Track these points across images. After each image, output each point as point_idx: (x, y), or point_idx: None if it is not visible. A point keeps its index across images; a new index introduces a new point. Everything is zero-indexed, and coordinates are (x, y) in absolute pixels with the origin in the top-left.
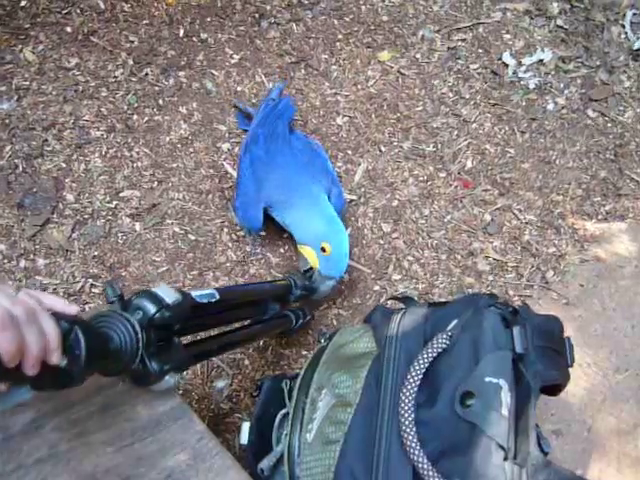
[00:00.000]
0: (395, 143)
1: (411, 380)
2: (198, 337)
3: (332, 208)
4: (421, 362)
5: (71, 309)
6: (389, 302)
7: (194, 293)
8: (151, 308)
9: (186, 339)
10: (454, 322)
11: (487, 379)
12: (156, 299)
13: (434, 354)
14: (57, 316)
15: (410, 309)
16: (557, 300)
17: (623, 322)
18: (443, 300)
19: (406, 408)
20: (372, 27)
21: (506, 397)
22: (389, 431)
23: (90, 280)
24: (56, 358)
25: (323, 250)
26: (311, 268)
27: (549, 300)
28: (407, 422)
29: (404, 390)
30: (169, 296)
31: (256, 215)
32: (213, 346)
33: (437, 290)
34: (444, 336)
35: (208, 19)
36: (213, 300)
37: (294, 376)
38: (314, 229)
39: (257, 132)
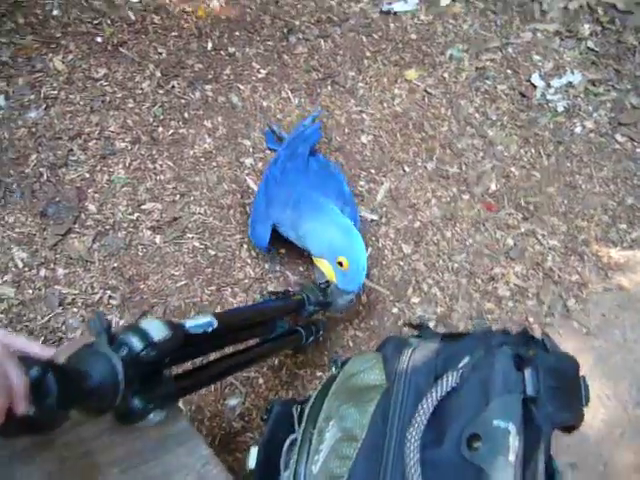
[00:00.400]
0: (419, 163)
1: (418, 419)
2: (196, 363)
3: (348, 219)
4: (429, 400)
5: (45, 353)
6: (405, 328)
7: (188, 324)
8: (137, 345)
9: (183, 366)
10: (466, 359)
11: (495, 422)
12: (143, 335)
13: (443, 393)
14: (28, 362)
15: (422, 344)
16: (578, 329)
17: None
18: (458, 332)
19: (412, 448)
20: (400, 45)
21: (514, 441)
22: (394, 470)
23: (109, 292)
24: (22, 408)
25: (340, 264)
26: (327, 281)
27: (570, 329)
28: (412, 462)
29: (411, 429)
30: (157, 332)
31: (263, 232)
32: (212, 372)
33: (456, 315)
34: (454, 374)
35: (237, 33)
36: (210, 329)
37: (304, 401)
38: (330, 242)
39: (280, 153)
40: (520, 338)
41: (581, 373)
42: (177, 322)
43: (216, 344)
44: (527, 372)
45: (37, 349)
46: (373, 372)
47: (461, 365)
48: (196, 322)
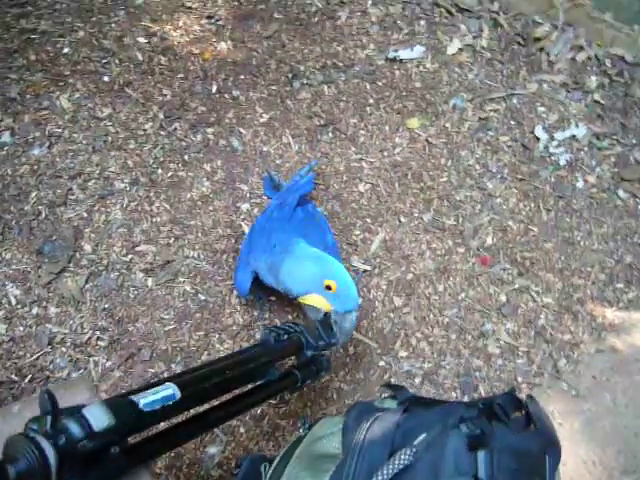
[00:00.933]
0: (416, 214)
1: None
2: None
3: (315, 248)
4: (380, 477)
5: None
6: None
7: (143, 402)
8: (76, 434)
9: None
10: (422, 436)
11: None
12: (83, 424)
13: (396, 470)
14: None
15: (383, 415)
16: (567, 391)
17: (634, 420)
18: (430, 398)
19: None
20: (404, 93)
21: None
22: None
23: (97, 332)
24: None
25: (328, 288)
26: (326, 313)
27: (558, 390)
28: None
29: None
30: (100, 421)
31: (244, 279)
32: (185, 431)
33: (443, 371)
34: (408, 452)
35: (242, 76)
36: (171, 402)
37: (272, 459)
38: (309, 274)
39: (272, 203)
40: (487, 412)
41: (564, 439)
42: (128, 401)
43: (182, 409)
44: (480, 454)
45: None
46: (335, 440)
47: (417, 442)
48: (154, 398)
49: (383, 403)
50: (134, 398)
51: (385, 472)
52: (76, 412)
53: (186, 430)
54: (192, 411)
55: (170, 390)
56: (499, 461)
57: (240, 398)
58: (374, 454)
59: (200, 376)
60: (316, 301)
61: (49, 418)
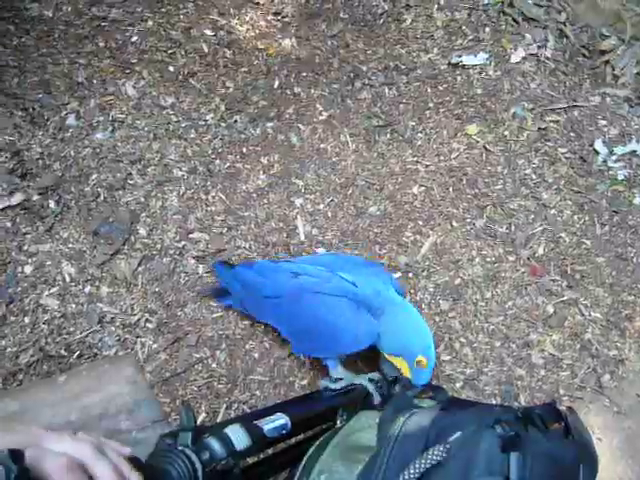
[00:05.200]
0: (468, 220)
1: None
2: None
3: (423, 320)
4: (412, 471)
5: (124, 450)
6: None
7: (266, 428)
8: (220, 453)
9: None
10: (457, 434)
11: None
12: (227, 443)
13: (427, 465)
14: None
15: (419, 411)
16: (609, 407)
17: None
18: (468, 400)
19: None
20: (464, 99)
21: None
22: None
23: (147, 315)
24: (135, 478)
25: (419, 363)
26: (400, 377)
27: (600, 406)
28: None
29: None
30: (240, 442)
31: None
32: (282, 460)
33: (484, 378)
34: (441, 448)
35: (304, 74)
36: (284, 432)
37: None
38: (411, 342)
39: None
40: (525, 419)
41: (602, 455)
42: (255, 426)
43: (289, 438)
44: (513, 456)
45: (116, 446)
46: (371, 432)
47: (451, 439)
48: (273, 425)
49: (422, 402)
50: (258, 424)
51: (417, 467)
52: (218, 430)
53: (286, 458)
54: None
55: (283, 420)
56: (532, 465)
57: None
58: (408, 448)
59: (300, 413)
60: (401, 364)
61: (190, 434)
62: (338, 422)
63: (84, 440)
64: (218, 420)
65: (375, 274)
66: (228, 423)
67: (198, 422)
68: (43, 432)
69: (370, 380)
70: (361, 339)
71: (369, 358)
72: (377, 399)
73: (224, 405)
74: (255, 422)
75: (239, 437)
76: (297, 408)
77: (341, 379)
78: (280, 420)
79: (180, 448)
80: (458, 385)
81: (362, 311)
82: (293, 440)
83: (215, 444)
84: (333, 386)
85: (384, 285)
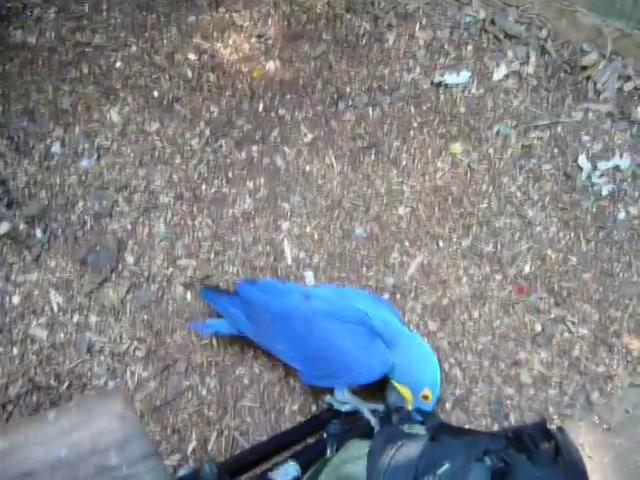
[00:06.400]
0: (454, 239)
1: None
2: None
3: (434, 354)
4: None
5: None
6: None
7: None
8: None
9: None
10: (445, 466)
11: None
12: None
13: None
14: None
15: (408, 442)
16: (598, 424)
17: None
18: (457, 427)
19: None
20: (448, 118)
21: None
22: None
23: (135, 342)
24: None
25: (424, 397)
26: (403, 407)
27: (590, 423)
28: None
29: None
30: None
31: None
32: None
33: (474, 398)
34: None
35: (288, 96)
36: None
37: None
38: (420, 373)
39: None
40: (515, 442)
41: (593, 473)
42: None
43: None
44: None
45: None
46: (360, 463)
47: (440, 472)
48: (286, 478)
49: (412, 429)
50: (272, 477)
51: None
52: None
53: None
54: None
55: (295, 471)
56: None
57: None
58: None
59: (313, 455)
60: (406, 395)
61: None
62: (328, 451)
63: None
64: (209, 447)
65: (381, 306)
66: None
67: (188, 451)
68: None
69: (373, 412)
70: (376, 369)
71: (373, 389)
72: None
73: (215, 432)
74: (269, 475)
75: None
76: (308, 452)
77: (346, 404)
78: (292, 471)
79: None
80: (448, 406)
81: (378, 341)
82: None
83: None
84: (337, 407)
85: (391, 316)
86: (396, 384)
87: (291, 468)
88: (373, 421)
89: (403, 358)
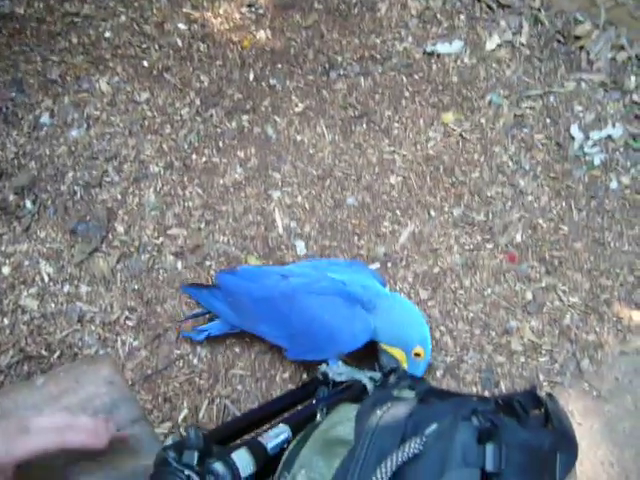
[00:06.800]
0: (446, 208)
1: None
2: None
3: (419, 311)
4: (389, 464)
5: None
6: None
7: (270, 445)
8: (225, 478)
9: None
10: (434, 426)
11: None
12: (232, 471)
13: (404, 458)
14: None
15: (397, 403)
16: (588, 391)
17: None
18: (447, 390)
19: None
20: (440, 87)
21: None
22: None
23: (126, 312)
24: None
25: (417, 355)
26: (393, 368)
27: (580, 390)
28: None
29: None
30: (246, 468)
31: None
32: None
33: (465, 366)
34: (418, 441)
35: (279, 65)
36: (286, 445)
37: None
38: (409, 333)
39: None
40: (505, 408)
41: (583, 439)
42: (260, 445)
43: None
44: (489, 447)
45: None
46: (349, 426)
47: (428, 432)
48: (277, 441)
49: (401, 393)
50: (262, 441)
51: (394, 459)
52: (225, 456)
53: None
54: None
55: (286, 434)
56: (508, 455)
57: None
58: (385, 441)
59: (303, 418)
60: (399, 356)
61: (196, 455)
62: (318, 415)
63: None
64: (200, 415)
65: (358, 271)
66: (232, 441)
67: (179, 419)
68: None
69: (371, 379)
70: (359, 336)
71: (366, 357)
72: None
73: (206, 401)
74: (259, 439)
75: (245, 464)
76: (298, 415)
77: (341, 374)
78: (283, 434)
79: (187, 473)
80: (439, 374)
81: (356, 308)
82: None
83: (221, 470)
84: (333, 377)
85: (370, 280)
86: (386, 347)
87: (281, 430)
88: (369, 387)
89: (387, 320)
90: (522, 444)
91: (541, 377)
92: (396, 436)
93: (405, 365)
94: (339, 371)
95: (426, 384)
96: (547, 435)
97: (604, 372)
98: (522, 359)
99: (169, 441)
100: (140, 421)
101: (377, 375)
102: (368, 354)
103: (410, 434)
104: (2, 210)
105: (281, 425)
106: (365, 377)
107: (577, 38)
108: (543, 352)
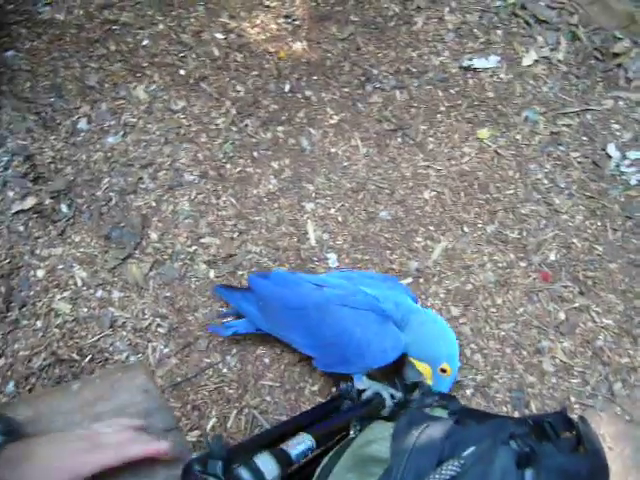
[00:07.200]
0: (479, 225)
1: None
2: None
3: (450, 328)
4: None
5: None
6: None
7: (294, 453)
8: None
9: None
10: (472, 449)
11: None
12: (257, 475)
13: None
14: None
15: (432, 424)
16: (620, 415)
17: None
18: (481, 411)
19: None
20: (476, 102)
21: None
22: None
23: (158, 319)
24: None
25: (443, 371)
26: (422, 382)
27: (612, 414)
28: None
29: None
30: (271, 473)
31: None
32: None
33: (495, 385)
34: (456, 463)
35: (315, 77)
36: (310, 453)
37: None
38: (437, 348)
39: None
40: (536, 429)
41: (614, 463)
42: (284, 452)
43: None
44: (528, 472)
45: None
46: (384, 444)
47: (466, 454)
48: (300, 449)
49: (434, 412)
50: (286, 449)
51: None
52: (249, 460)
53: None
54: None
55: (310, 442)
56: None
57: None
58: (422, 462)
59: (327, 429)
60: (424, 371)
61: (220, 464)
62: (351, 432)
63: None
64: (228, 425)
65: (391, 287)
66: (256, 450)
67: (208, 428)
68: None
69: (392, 396)
70: (389, 352)
71: (389, 369)
72: (386, 412)
73: (235, 410)
74: (282, 447)
75: (269, 467)
76: (321, 425)
77: (364, 390)
78: (307, 442)
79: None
80: (469, 392)
81: (388, 324)
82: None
83: (246, 475)
84: (355, 388)
85: (402, 296)
86: (414, 360)
87: (303, 438)
88: (389, 402)
89: (418, 335)
90: (560, 469)
91: (572, 399)
92: (433, 457)
93: (429, 380)
94: (363, 386)
95: (458, 403)
96: (584, 460)
97: (637, 396)
98: (553, 380)
99: (194, 455)
100: (173, 430)
101: (398, 394)
102: (392, 370)
103: (447, 456)
104: (38, 214)
105: (302, 433)
106: (387, 393)
107: (615, 55)
108: (575, 374)
